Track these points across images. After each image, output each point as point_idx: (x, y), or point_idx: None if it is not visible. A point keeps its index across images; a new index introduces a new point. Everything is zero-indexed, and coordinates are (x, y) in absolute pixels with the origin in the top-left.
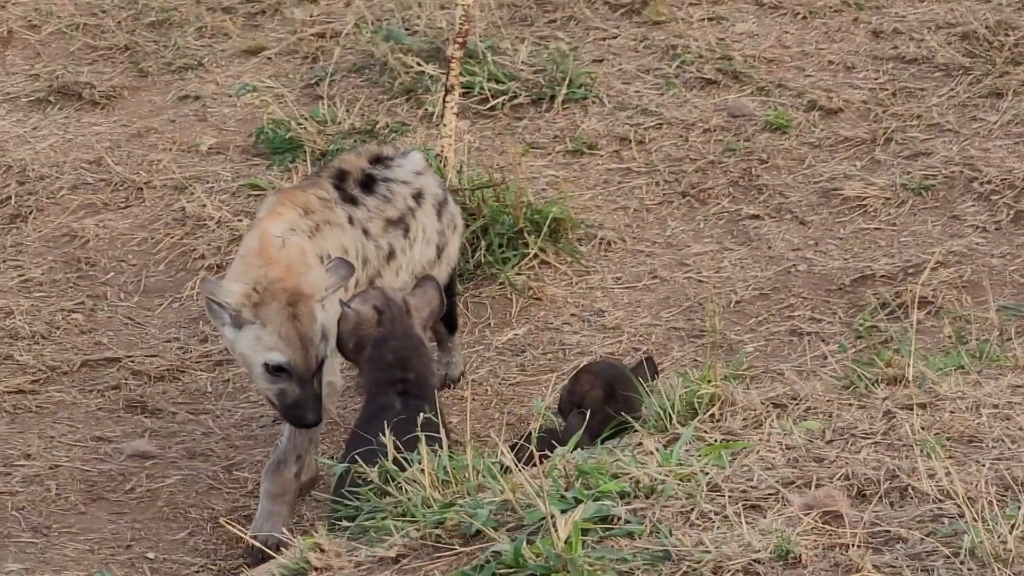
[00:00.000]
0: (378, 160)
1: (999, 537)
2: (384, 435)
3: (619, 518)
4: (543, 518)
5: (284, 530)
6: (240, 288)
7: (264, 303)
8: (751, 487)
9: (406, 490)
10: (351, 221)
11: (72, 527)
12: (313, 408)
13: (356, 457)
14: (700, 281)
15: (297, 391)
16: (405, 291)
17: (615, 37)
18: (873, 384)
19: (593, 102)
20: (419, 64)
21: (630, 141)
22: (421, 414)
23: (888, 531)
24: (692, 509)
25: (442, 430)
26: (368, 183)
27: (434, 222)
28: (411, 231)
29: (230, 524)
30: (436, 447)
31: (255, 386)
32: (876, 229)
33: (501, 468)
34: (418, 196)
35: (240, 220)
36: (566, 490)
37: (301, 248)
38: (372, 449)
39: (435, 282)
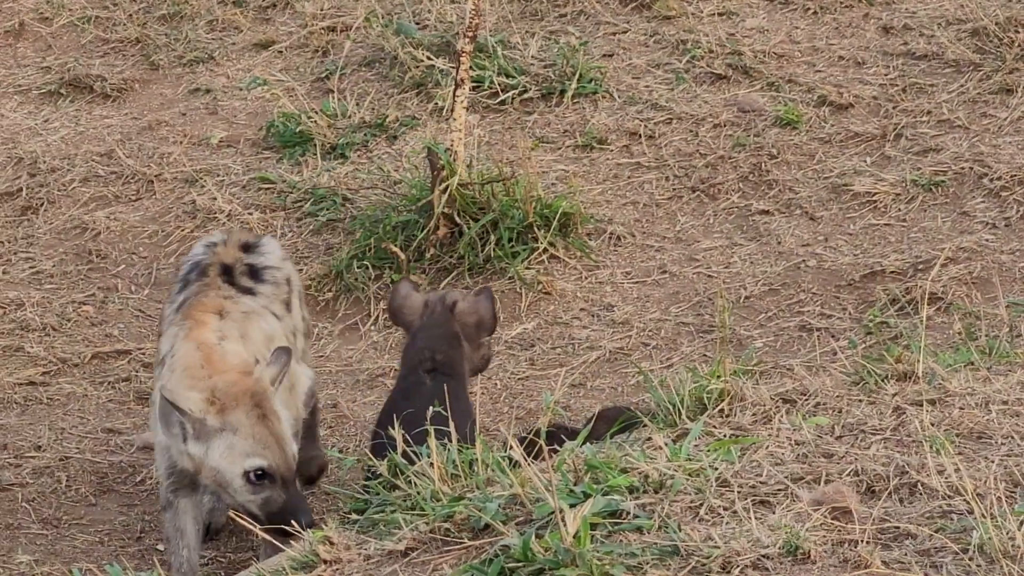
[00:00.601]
0: (247, 248)
1: (1008, 533)
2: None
3: (628, 513)
4: (552, 512)
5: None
6: (198, 395)
7: (228, 408)
8: (760, 482)
9: (415, 483)
10: (261, 310)
11: (82, 519)
12: (305, 509)
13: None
14: (710, 276)
15: (283, 495)
16: (462, 294)
17: (625, 32)
18: (883, 380)
19: (603, 97)
20: (429, 58)
21: (640, 136)
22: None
23: (897, 527)
24: (701, 504)
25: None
26: (254, 272)
27: (301, 311)
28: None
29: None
30: (466, 426)
31: (231, 500)
32: (886, 225)
33: (510, 462)
34: (288, 281)
35: (250, 213)
36: (575, 484)
37: (238, 351)
38: (404, 418)
39: (492, 295)
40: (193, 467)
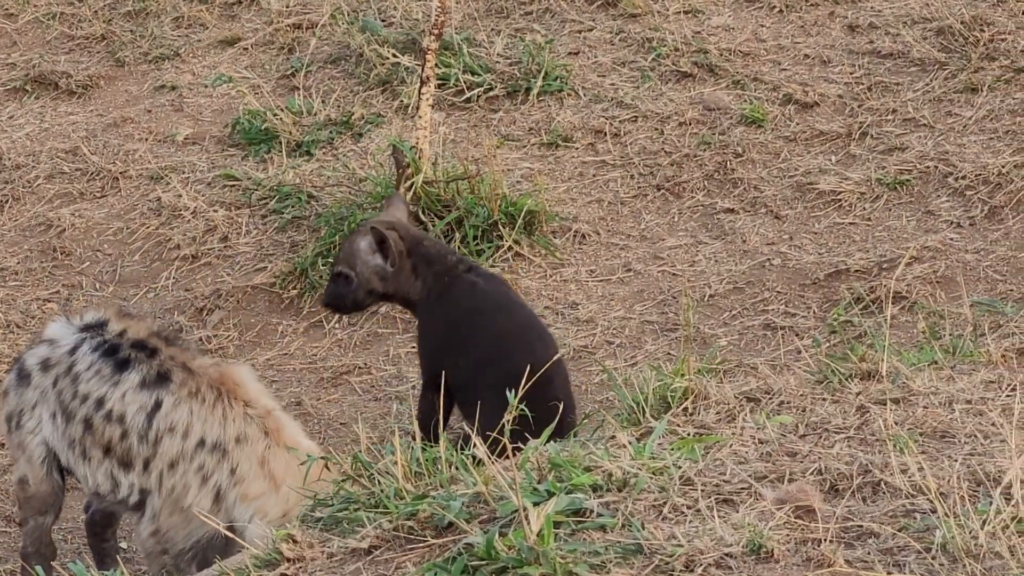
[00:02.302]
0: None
1: (971, 532)
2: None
3: (591, 511)
4: (516, 511)
5: None
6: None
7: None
8: (724, 481)
9: (379, 481)
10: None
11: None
12: None
13: None
14: (674, 274)
15: None
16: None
17: (591, 30)
18: (847, 379)
19: (568, 95)
20: (395, 55)
21: (605, 134)
22: None
23: (860, 526)
24: (664, 503)
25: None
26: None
27: None
28: None
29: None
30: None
31: None
32: (851, 224)
33: (474, 460)
34: None
35: (215, 211)
36: (539, 483)
37: None
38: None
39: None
40: None
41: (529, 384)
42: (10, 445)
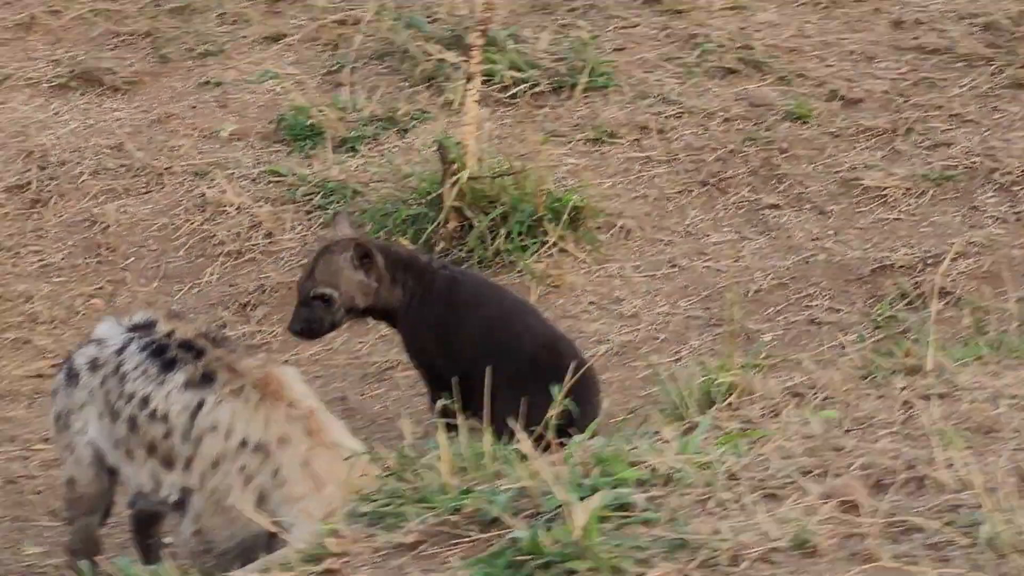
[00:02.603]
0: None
1: (1017, 527)
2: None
3: (636, 506)
4: (560, 505)
5: None
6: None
7: None
8: (769, 476)
9: (424, 476)
10: None
11: None
12: None
13: None
14: (719, 270)
15: None
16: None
17: (636, 26)
18: (892, 374)
19: (614, 90)
20: (440, 52)
21: (650, 130)
22: None
23: (906, 521)
24: (709, 498)
25: None
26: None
27: None
28: None
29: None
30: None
31: None
32: (896, 219)
33: (519, 455)
34: None
35: (260, 206)
36: (584, 477)
37: None
38: None
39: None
40: None
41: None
42: (57, 445)
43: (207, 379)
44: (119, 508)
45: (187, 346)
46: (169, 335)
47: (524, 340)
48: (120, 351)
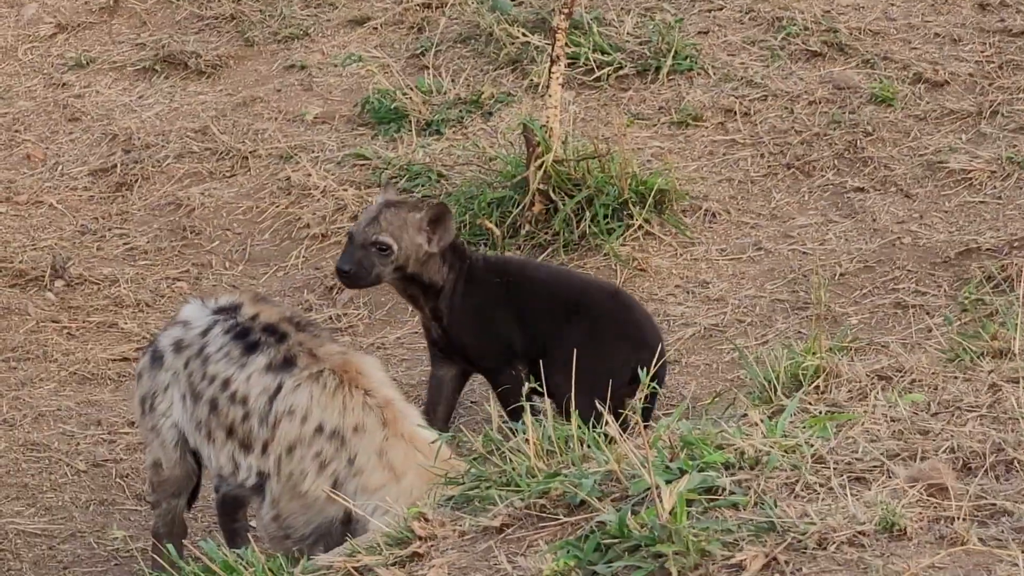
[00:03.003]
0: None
1: None
2: None
3: (724, 489)
4: (648, 488)
5: None
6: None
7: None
8: (856, 459)
9: (510, 459)
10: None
11: None
12: None
13: None
14: (805, 253)
15: None
16: None
17: (720, 8)
18: (978, 357)
19: (698, 73)
20: (525, 35)
21: (735, 113)
22: None
23: (994, 504)
24: (797, 481)
25: None
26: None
27: None
28: None
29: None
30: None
31: None
32: (981, 202)
33: (606, 438)
34: None
35: (345, 190)
36: (671, 461)
37: None
38: None
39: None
40: None
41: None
42: (142, 428)
43: (288, 363)
44: (205, 491)
45: (271, 330)
46: (253, 318)
47: (590, 291)
48: (204, 333)
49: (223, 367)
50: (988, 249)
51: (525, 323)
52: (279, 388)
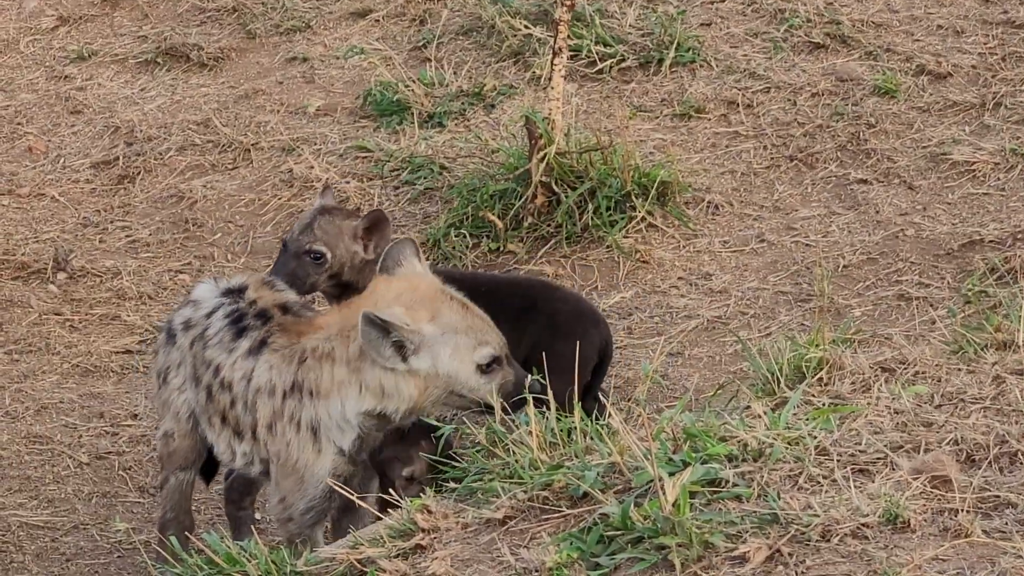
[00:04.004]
0: None
1: None
2: None
3: (727, 481)
4: (651, 481)
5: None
6: (399, 309)
7: (437, 312)
8: (859, 451)
9: (513, 452)
10: None
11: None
12: (524, 376)
13: None
14: (808, 245)
15: (511, 372)
16: None
17: (723, 0)
18: (982, 349)
19: (701, 66)
20: (527, 27)
21: (738, 105)
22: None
23: (997, 496)
24: (800, 473)
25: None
26: None
27: None
28: None
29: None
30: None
31: (460, 400)
32: (985, 194)
33: (608, 430)
34: None
35: (347, 182)
36: (674, 453)
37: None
38: None
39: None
40: (410, 390)
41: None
42: (157, 401)
43: (262, 345)
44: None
45: (261, 315)
46: (252, 303)
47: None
48: (209, 315)
49: (216, 352)
50: (992, 241)
51: None
52: (253, 371)
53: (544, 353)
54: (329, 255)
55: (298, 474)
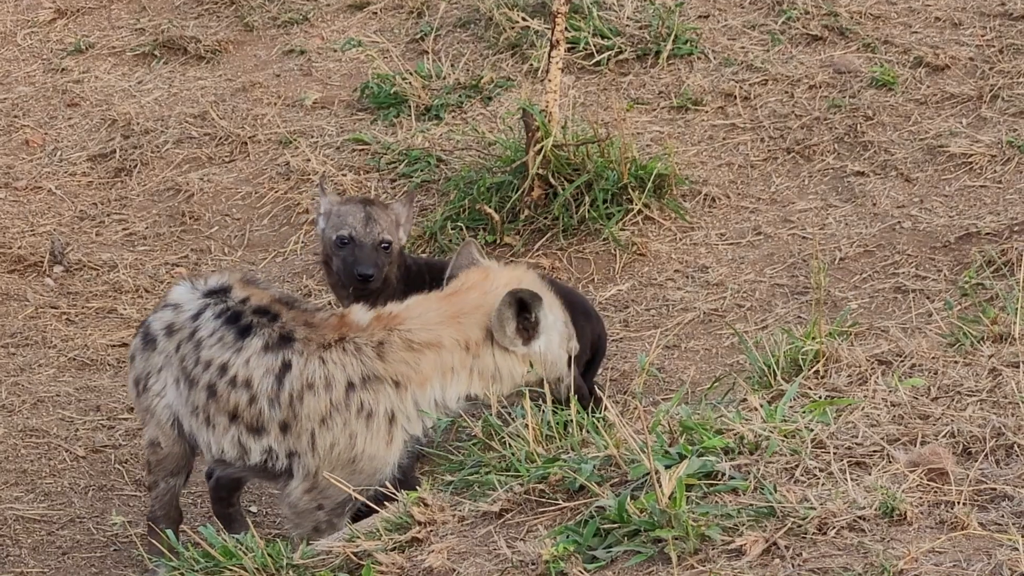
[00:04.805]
0: None
1: None
2: None
3: (723, 474)
4: (647, 473)
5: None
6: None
7: (549, 302)
8: (856, 444)
9: (510, 445)
10: None
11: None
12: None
13: None
14: (804, 238)
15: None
16: None
17: None
18: (978, 342)
19: (698, 58)
20: (524, 19)
21: (735, 97)
22: None
23: (994, 488)
24: (797, 465)
25: None
26: None
27: None
28: None
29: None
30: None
31: (539, 390)
32: (982, 186)
33: (605, 423)
34: None
35: (344, 175)
36: (670, 446)
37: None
38: None
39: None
40: (519, 374)
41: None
42: (138, 409)
43: (285, 340)
44: (203, 477)
45: (262, 312)
46: (244, 301)
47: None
48: (195, 317)
49: (218, 352)
50: (988, 233)
51: None
52: (286, 366)
53: None
54: (394, 243)
55: (356, 464)
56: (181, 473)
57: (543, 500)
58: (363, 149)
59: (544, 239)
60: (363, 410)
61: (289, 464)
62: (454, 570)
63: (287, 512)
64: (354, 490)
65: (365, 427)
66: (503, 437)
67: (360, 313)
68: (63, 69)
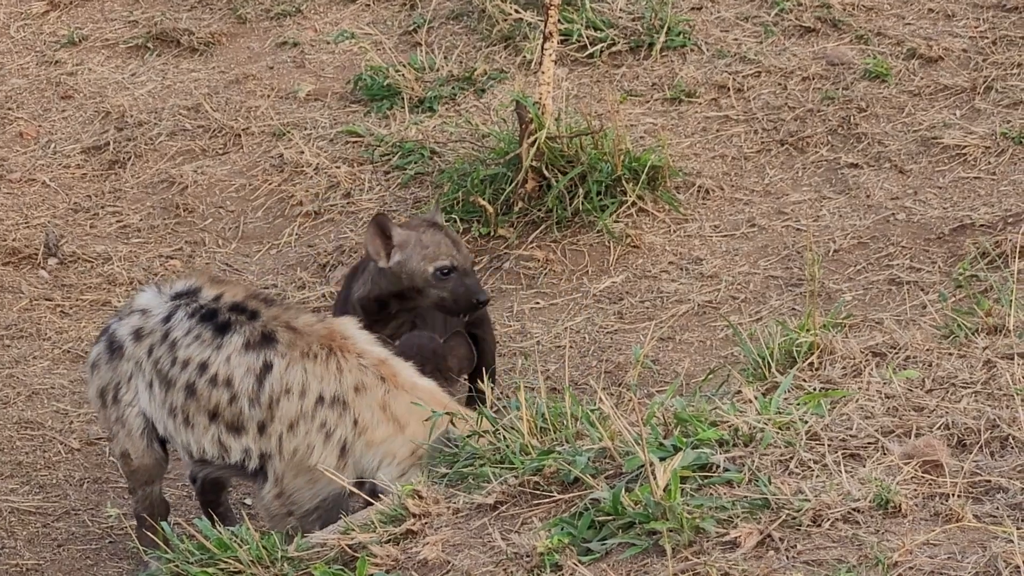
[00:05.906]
0: None
1: None
2: None
3: (718, 466)
4: (642, 466)
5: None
6: None
7: None
8: (850, 436)
9: (504, 437)
10: None
11: (169, 472)
12: None
13: None
14: (798, 229)
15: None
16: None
17: None
18: (973, 333)
19: (692, 50)
20: (517, 11)
21: (728, 89)
22: None
23: (988, 480)
24: (791, 457)
25: None
26: None
27: None
28: None
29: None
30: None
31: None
32: (976, 178)
33: (599, 415)
34: None
35: (338, 167)
36: (665, 438)
37: None
38: None
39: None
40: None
41: None
42: (104, 420)
43: (267, 339)
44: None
45: (239, 308)
46: (217, 299)
47: None
48: (167, 319)
49: (196, 350)
50: (982, 225)
51: None
52: (267, 367)
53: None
54: None
55: (312, 476)
56: (156, 482)
57: (538, 492)
58: (357, 141)
59: (538, 231)
60: (324, 427)
61: (262, 465)
62: (448, 562)
63: (263, 515)
64: (318, 501)
65: (322, 444)
66: (497, 429)
67: (351, 328)
68: (56, 61)
